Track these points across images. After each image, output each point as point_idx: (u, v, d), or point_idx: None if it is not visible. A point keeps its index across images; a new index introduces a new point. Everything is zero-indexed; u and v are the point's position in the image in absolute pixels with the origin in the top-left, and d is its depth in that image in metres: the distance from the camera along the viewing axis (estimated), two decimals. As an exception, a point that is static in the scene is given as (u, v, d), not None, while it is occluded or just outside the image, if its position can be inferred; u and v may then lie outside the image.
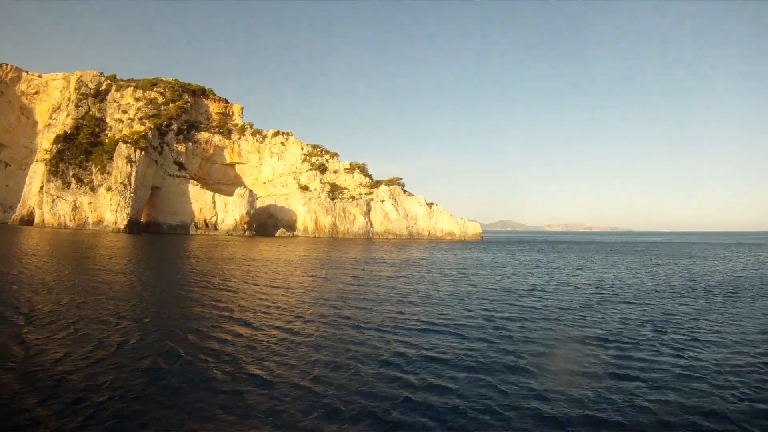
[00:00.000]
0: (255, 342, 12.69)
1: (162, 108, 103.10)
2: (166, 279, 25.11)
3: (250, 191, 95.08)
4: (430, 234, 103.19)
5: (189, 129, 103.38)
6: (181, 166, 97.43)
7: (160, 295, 19.76)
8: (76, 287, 20.85)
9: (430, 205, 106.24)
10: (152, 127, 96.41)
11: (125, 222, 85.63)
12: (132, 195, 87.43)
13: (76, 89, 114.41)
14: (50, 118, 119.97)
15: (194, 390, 8.93)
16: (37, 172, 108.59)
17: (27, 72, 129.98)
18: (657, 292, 24.18)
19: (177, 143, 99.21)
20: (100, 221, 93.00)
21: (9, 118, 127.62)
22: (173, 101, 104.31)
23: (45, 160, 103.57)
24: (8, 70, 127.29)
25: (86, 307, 16.42)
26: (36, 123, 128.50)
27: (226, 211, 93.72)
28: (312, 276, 28.20)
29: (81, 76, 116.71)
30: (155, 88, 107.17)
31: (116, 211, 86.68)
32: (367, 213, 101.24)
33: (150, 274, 27.00)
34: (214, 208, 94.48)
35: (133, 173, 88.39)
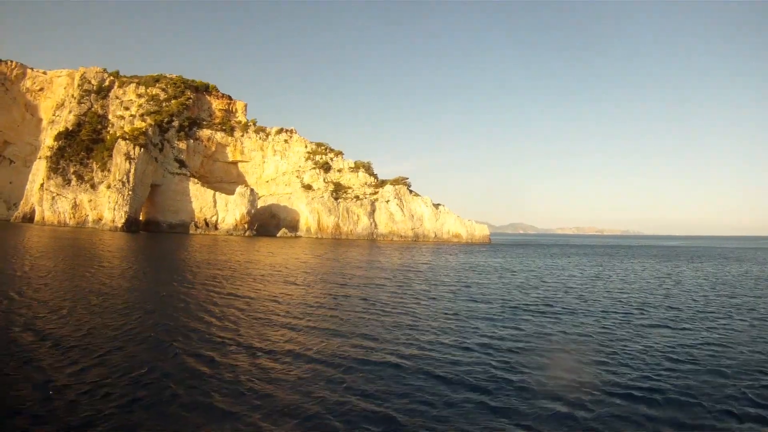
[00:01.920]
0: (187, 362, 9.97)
1: (163, 104, 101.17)
2: (134, 285, 22.22)
3: (251, 190, 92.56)
4: (436, 236, 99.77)
5: (191, 126, 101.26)
6: (181, 164, 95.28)
7: (118, 307, 16.83)
8: (34, 288, 18.06)
9: (436, 205, 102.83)
10: (152, 123, 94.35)
11: (123, 220, 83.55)
12: (130, 193, 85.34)
13: (79, 86, 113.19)
14: (54, 115, 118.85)
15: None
16: (39, 169, 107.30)
17: (32, 69, 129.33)
18: (699, 311, 19.80)
19: (178, 140, 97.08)
20: (100, 219, 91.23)
21: (14, 115, 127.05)
22: (175, 97, 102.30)
23: (47, 157, 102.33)
24: (13, 67, 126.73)
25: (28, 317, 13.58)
26: (40, 120, 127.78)
27: (226, 210, 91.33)
28: (290, 284, 25.17)
29: (84, 72, 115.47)
30: (157, 85, 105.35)
31: (114, 209, 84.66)
32: (372, 213, 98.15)
33: (118, 280, 24.14)
34: (215, 207, 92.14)
35: (132, 170, 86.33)
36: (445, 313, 17.81)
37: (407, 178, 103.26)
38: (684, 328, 16.48)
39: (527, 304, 20.29)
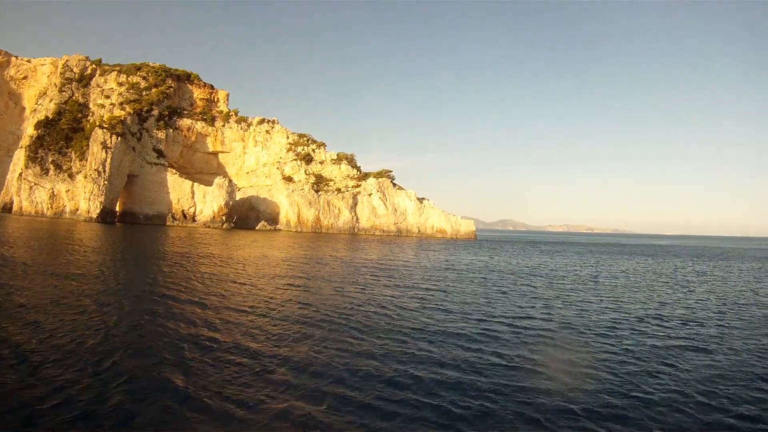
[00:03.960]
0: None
1: (143, 93, 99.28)
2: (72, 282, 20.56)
3: (230, 181, 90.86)
4: (419, 231, 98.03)
5: (171, 115, 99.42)
6: (160, 154, 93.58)
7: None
8: None
9: (420, 200, 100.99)
10: (131, 112, 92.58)
11: (98, 211, 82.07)
12: (106, 183, 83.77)
13: (61, 74, 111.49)
14: (36, 104, 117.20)
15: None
16: (20, 158, 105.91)
17: (16, 57, 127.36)
18: (731, 326, 16.71)
19: (157, 129, 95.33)
20: (77, 210, 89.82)
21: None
22: (156, 86, 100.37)
23: (26, 146, 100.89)
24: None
25: None
26: (24, 109, 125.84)
27: (204, 202, 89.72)
28: (232, 283, 23.54)
29: (67, 60, 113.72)
30: (138, 73, 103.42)
31: (89, 200, 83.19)
32: (354, 207, 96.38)
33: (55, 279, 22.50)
34: (193, 198, 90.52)
35: (108, 160, 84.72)
36: (406, 331, 13.92)
37: (391, 171, 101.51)
38: (721, 349, 13.35)
39: (514, 317, 16.78)
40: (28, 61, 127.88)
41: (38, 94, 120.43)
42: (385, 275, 27.74)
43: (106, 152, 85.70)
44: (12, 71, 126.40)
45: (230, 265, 29.23)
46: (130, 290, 18.88)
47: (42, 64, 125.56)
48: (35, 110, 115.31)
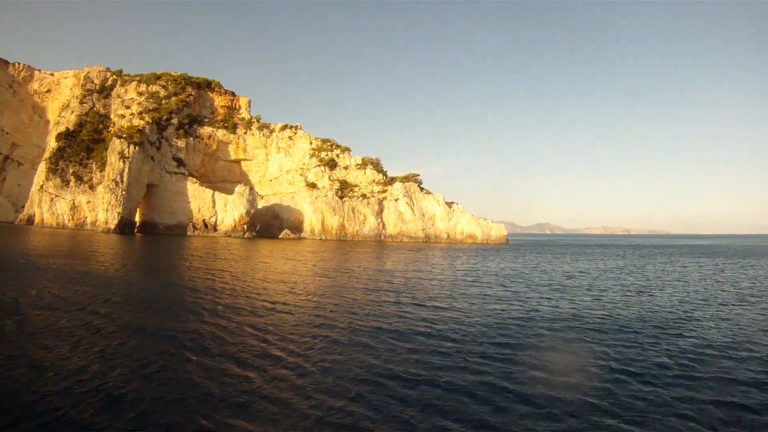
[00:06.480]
0: None
1: (163, 102, 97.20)
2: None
3: (251, 189, 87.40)
4: (449, 236, 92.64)
5: (191, 123, 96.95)
6: (180, 163, 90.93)
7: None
8: None
9: (449, 204, 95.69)
10: (150, 121, 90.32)
11: (116, 222, 79.49)
12: (124, 193, 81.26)
13: (82, 86, 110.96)
14: (59, 116, 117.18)
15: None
16: (43, 170, 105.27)
17: (39, 70, 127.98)
18: None
19: (177, 138, 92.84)
20: (97, 221, 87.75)
21: (22, 117, 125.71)
22: (175, 94, 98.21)
23: (47, 158, 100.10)
24: (21, 69, 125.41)
25: None
26: (48, 122, 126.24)
27: (225, 211, 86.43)
28: (227, 308, 19.09)
29: (88, 72, 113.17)
30: (158, 82, 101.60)
31: (107, 210, 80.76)
32: (380, 213, 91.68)
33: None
34: (214, 207, 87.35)
35: (126, 170, 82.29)
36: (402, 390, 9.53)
37: (418, 175, 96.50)
38: None
39: (547, 352, 12.03)
40: (51, 75, 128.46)
41: (61, 106, 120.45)
42: (392, 292, 22.47)
43: (124, 162, 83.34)
44: (35, 85, 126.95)
45: (224, 280, 24.85)
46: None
47: (65, 77, 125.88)
48: (58, 123, 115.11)
